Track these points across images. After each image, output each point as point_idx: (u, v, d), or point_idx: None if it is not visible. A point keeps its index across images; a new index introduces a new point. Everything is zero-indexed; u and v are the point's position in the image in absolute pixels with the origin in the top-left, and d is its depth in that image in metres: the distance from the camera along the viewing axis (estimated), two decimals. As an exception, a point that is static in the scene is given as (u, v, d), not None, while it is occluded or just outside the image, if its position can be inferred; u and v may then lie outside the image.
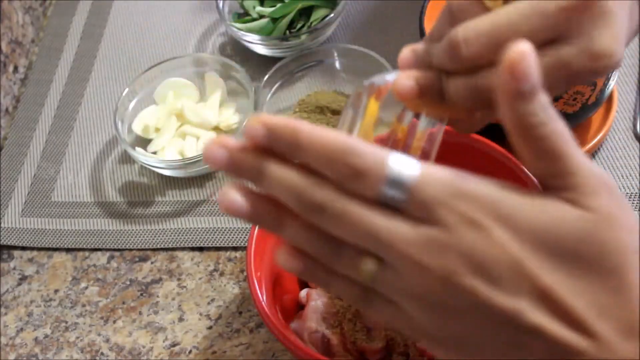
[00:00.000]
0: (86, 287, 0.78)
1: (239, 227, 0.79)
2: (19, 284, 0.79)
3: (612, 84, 0.71)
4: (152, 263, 0.78)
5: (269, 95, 0.85)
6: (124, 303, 0.76)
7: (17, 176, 0.88)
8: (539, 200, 0.41)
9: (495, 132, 0.71)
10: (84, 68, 0.98)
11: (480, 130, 0.70)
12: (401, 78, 0.49)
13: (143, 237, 0.80)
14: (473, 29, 0.45)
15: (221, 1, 0.93)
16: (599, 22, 0.45)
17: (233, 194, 0.43)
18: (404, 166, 0.40)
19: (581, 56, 0.45)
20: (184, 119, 0.85)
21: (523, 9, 0.45)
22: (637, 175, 0.75)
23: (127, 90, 0.86)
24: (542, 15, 0.45)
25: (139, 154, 0.81)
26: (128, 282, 0.77)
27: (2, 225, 0.84)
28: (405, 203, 0.40)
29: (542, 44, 0.45)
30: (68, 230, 0.82)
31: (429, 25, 0.74)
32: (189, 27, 1.00)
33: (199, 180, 0.84)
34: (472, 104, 0.48)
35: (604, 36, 0.45)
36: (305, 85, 0.90)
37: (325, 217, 0.41)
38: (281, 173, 0.42)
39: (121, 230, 0.81)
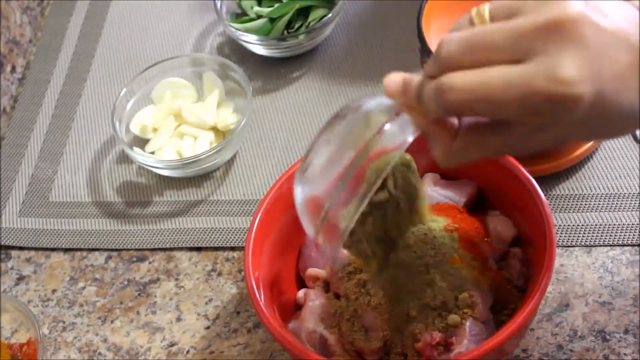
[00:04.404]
0: (84, 287, 0.78)
1: (236, 227, 0.79)
2: (17, 284, 0.79)
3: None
4: (149, 263, 0.78)
5: (267, 95, 0.85)
6: (121, 303, 0.76)
7: (15, 176, 0.88)
8: None
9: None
10: (81, 68, 0.98)
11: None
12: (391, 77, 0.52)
13: (141, 237, 0.80)
14: (460, 81, 0.46)
15: (219, 1, 0.92)
16: (569, 46, 0.44)
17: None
18: None
19: (539, 76, 0.44)
20: (182, 119, 0.85)
21: (502, 38, 0.46)
22: (636, 175, 0.75)
23: (124, 90, 0.86)
24: (518, 38, 0.45)
25: (136, 154, 0.81)
26: (126, 282, 0.77)
27: (0, 225, 0.83)
28: None
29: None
30: (66, 230, 0.82)
31: (426, 25, 0.74)
32: (186, 27, 1.00)
33: (197, 180, 0.84)
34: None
35: (569, 61, 0.44)
36: (303, 85, 0.90)
37: None
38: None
39: (119, 230, 0.81)
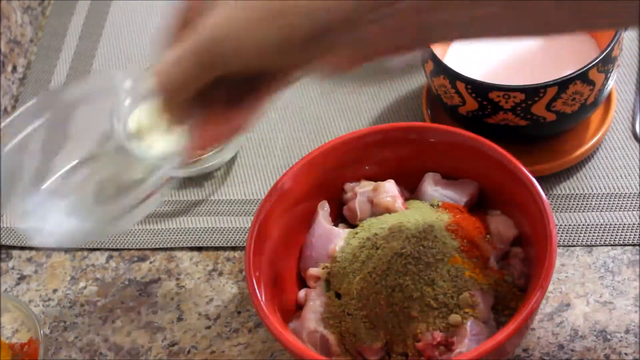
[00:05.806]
0: (85, 287, 0.78)
1: (237, 227, 0.79)
2: (18, 284, 0.79)
3: (610, 83, 0.71)
4: (150, 263, 0.78)
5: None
6: (122, 303, 0.76)
7: (16, 176, 0.88)
8: None
9: (495, 132, 0.71)
10: (82, 68, 0.98)
11: (480, 130, 0.70)
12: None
13: (141, 236, 0.80)
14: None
15: (220, 1, 0.92)
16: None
17: None
18: None
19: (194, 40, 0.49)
20: (183, 119, 0.85)
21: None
22: (637, 175, 0.75)
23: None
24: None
25: (137, 153, 0.81)
26: (127, 282, 0.77)
27: (2, 225, 0.83)
28: None
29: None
30: (67, 230, 0.82)
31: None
32: (187, 27, 1.00)
33: (198, 179, 0.84)
34: None
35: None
36: (304, 85, 0.90)
37: None
38: None
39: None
